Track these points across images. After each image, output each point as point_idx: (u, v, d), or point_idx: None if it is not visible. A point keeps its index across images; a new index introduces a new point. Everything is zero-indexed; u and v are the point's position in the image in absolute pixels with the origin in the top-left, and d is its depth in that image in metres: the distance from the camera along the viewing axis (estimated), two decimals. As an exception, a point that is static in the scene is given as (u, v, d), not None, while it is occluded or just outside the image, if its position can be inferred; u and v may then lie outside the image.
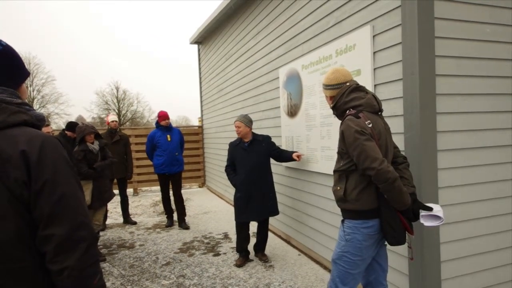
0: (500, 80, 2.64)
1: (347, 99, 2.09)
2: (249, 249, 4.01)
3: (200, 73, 9.29)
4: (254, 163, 3.78)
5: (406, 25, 2.43)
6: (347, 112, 2.07)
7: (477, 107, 2.57)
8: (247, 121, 3.84)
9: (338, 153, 2.13)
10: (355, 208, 2.01)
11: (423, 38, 2.36)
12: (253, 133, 3.91)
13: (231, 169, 3.99)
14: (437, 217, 1.95)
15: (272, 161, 3.98)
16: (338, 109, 2.15)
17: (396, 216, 1.96)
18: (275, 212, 3.93)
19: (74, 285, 1.02)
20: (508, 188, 2.71)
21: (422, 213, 1.98)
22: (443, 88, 2.45)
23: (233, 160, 3.94)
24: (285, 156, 3.88)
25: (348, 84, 2.12)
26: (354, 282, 2.10)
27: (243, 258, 3.93)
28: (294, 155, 3.79)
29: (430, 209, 1.96)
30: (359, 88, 2.11)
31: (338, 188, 2.10)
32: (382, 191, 1.92)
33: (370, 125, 1.96)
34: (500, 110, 2.65)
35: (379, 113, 2.12)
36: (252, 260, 3.99)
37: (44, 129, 4.56)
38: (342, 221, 2.14)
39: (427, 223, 1.96)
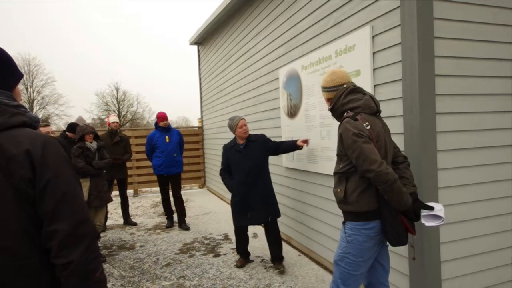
0: (499, 80, 2.64)
1: (344, 101, 2.09)
2: (249, 249, 3.99)
3: (200, 74, 9.29)
4: (251, 165, 3.61)
5: (405, 25, 2.43)
6: (345, 114, 2.08)
7: (476, 107, 2.57)
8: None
9: (337, 155, 2.14)
10: (356, 210, 2.01)
11: (423, 38, 2.36)
12: (249, 134, 3.79)
13: (226, 173, 3.84)
14: (437, 217, 1.95)
15: (272, 161, 3.95)
16: (336, 111, 2.16)
17: (397, 216, 1.95)
18: (276, 214, 3.76)
19: (78, 278, 1.07)
20: (508, 188, 2.70)
21: (423, 213, 1.98)
22: (442, 88, 2.45)
23: (228, 163, 3.79)
24: (286, 146, 3.68)
25: (345, 86, 2.13)
26: (356, 283, 2.09)
27: (243, 259, 3.91)
28: (299, 142, 3.60)
29: (432, 208, 1.96)
30: (356, 90, 2.12)
31: (339, 190, 2.10)
32: (381, 192, 1.92)
33: (368, 127, 1.96)
34: (499, 110, 2.65)
35: (378, 114, 2.12)
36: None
37: (44, 129, 4.59)
38: (343, 223, 2.14)
39: (428, 223, 1.96)
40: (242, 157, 3.67)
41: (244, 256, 3.93)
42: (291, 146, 3.68)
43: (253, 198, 3.62)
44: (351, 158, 1.97)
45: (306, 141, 3.63)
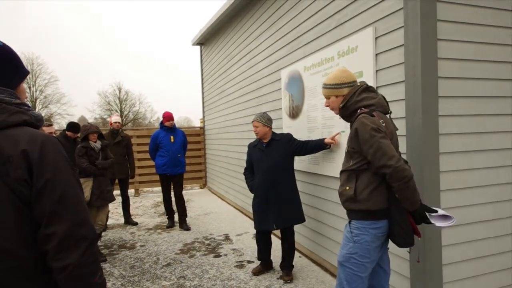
0: (502, 83, 2.63)
1: (358, 98, 2.07)
2: (272, 258, 3.75)
3: (202, 74, 9.30)
4: (272, 164, 3.42)
5: (408, 27, 2.43)
6: (359, 111, 2.04)
7: (479, 110, 2.56)
8: (266, 119, 3.50)
9: (348, 152, 2.08)
10: (366, 208, 1.96)
11: (426, 40, 2.35)
12: (273, 133, 3.58)
13: (249, 173, 3.69)
14: (447, 217, 1.92)
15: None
16: (348, 109, 2.11)
17: (406, 217, 1.93)
18: (299, 219, 3.51)
19: (76, 281, 1.04)
20: (510, 191, 2.69)
21: (433, 213, 1.96)
22: (445, 90, 2.44)
23: (251, 163, 3.65)
24: (311, 145, 3.40)
25: (359, 83, 2.12)
26: (362, 286, 2.05)
27: (261, 267, 3.66)
28: (327, 141, 3.28)
29: (435, 211, 1.94)
30: (369, 89, 2.12)
31: (347, 188, 2.04)
32: (395, 190, 1.88)
33: (384, 124, 1.94)
34: (502, 113, 2.63)
35: (389, 114, 2.11)
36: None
37: (47, 129, 4.59)
38: (349, 222, 2.09)
39: (438, 223, 1.92)
40: (263, 156, 3.50)
41: (263, 264, 3.67)
42: (317, 146, 3.38)
43: (273, 200, 3.41)
44: (367, 154, 1.92)
45: (334, 139, 3.25)
